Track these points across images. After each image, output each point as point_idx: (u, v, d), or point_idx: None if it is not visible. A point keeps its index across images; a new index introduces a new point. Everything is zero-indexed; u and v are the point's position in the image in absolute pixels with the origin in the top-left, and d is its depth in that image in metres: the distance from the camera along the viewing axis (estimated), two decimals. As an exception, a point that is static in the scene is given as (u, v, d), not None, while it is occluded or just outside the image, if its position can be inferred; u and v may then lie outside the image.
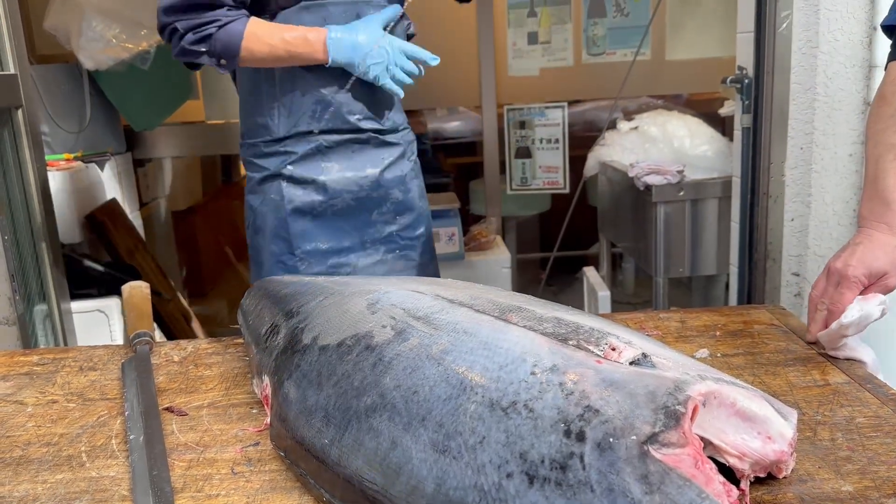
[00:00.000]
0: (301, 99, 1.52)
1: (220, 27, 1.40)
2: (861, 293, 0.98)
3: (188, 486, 0.77)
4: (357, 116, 1.53)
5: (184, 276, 3.46)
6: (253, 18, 1.43)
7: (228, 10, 1.42)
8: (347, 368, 0.74)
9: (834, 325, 0.96)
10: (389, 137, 1.58)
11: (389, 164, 1.58)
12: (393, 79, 1.44)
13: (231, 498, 0.75)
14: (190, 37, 1.41)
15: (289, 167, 1.54)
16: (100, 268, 2.11)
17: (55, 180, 2.26)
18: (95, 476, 0.80)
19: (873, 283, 0.98)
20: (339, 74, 1.48)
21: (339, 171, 1.54)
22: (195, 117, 3.18)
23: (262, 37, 1.41)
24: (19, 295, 1.61)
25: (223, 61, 1.43)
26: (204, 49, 1.42)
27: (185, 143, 3.11)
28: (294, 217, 1.56)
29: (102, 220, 2.48)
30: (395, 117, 1.59)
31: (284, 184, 1.55)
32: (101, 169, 2.69)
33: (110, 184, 2.76)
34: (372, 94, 1.52)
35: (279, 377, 0.83)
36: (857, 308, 0.95)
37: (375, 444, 0.66)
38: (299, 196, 1.55)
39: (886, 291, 0.99)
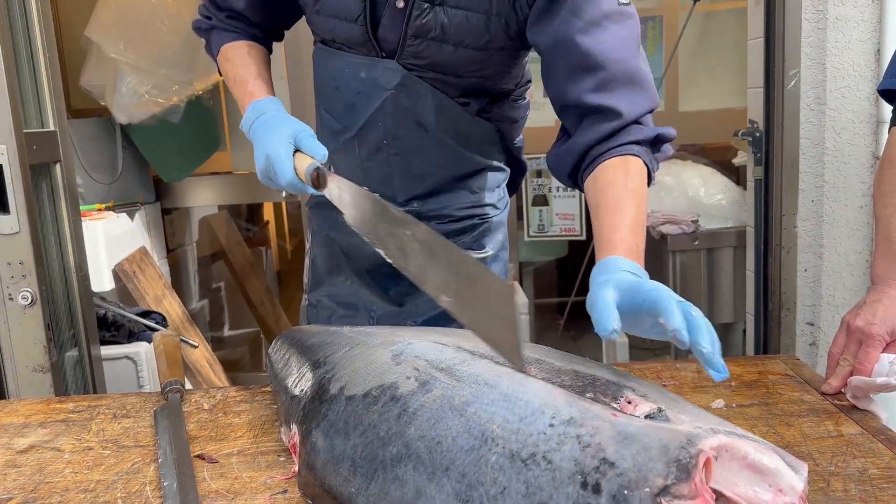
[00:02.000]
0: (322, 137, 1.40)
1: (210, 29, 1.30)
2: (883, 350, 1.01)
3: (221, 533, 0.80)
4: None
5: (209, 322, 3.51)
6: (239, 43, 1.28)
7: (228, 16, 1.28)
8: (373, 418, 0.77)
9: (880, 380, 0.98)
10: None
11: None
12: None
13: (262, 544, 0.77)
14: (196, 21, 1.33)
15: (310, 210, 1.45)
16: (129, 315, 2.16)
17: (87, 230, 2.33)
18: (132, 522, 0.83)
19: (894, 341, 1.02)
20: (328, 134, 1.29)
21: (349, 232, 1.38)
22: (222, 167, 3.26)
23: (228, 59, 1.27)
24: (54, 343, 1.66)
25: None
26: (204, 39, 1.34)
27: (212, 192, 3.19)
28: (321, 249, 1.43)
29: (132, 268, 2.55)
30: (432, 202, 1.29)
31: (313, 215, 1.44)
32: (132, 218, 2.77)
33: (140, 232, 2.84)
34: (372, 169, 1.26)
35: (307, 426, 0.86)
36: None
37: (401, 494, 0.69)
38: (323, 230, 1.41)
39: None
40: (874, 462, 0.86)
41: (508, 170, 1.37)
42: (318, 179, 0.99)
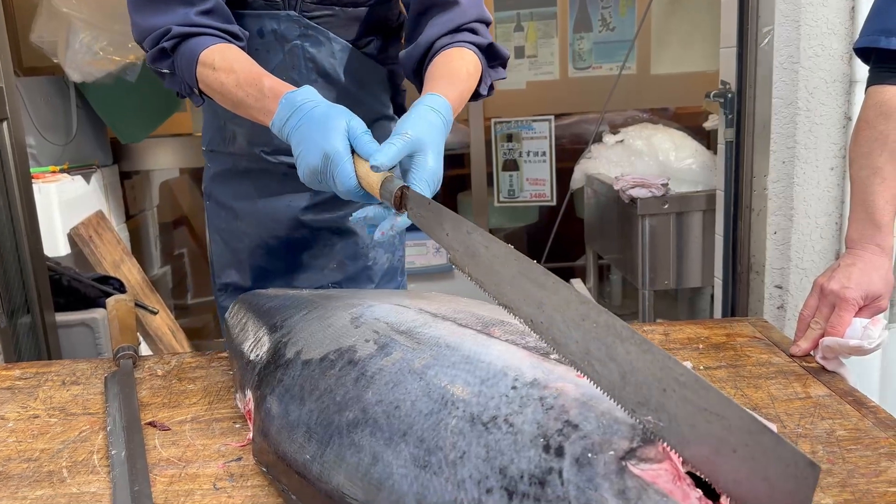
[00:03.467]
0: (212, 111, 1.30)
1: (179, 41, 1.08)
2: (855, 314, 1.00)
3: (170, 502, 0.77)
4: (262, 149, 1.27)
5: (171, 289, 3.44)
6: (222, 45, 1.08)
7: (195, 10, 1.08)
8: (330, 383, 0.74)
9: (853, 342, 0.97)
10: None
11: (318, 203, 1.30)
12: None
13: (213, 514, 0.74)
14: (149, 54, 1.10)
15: (210, 185, 1.36)
16: (85, 280, 2.10)
17: (40, 193, 2.26)
18: (76, 492, 0.80)
19: (867, 305, 1.00)
20: None
21: (255, 202, 1.30)
22: (182, 130, 3.17)
23: (218, 68, 1.05)
24: (3, 309, 1.60)
25: (195, 90, 1.10)
26: (166, 70, 1.11)
27: (172, 155, 3.10)
28: (215, 243, 1.37)
29: (88, 233, 2.47)
30: None
31: (208, 202, 1.37)
32: (88, 181, 2.69)
33: (97, 196, 2.75)
34: None
35: (262, 392, 0.83)
36: (877, 333, 0.97)
37: (357, 460, 0.66)
38: (219, 221, 1.35)
39: (877, 313, 1.01)
40: (842, 423, 0.85)
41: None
42: (401, 200, 0.86)
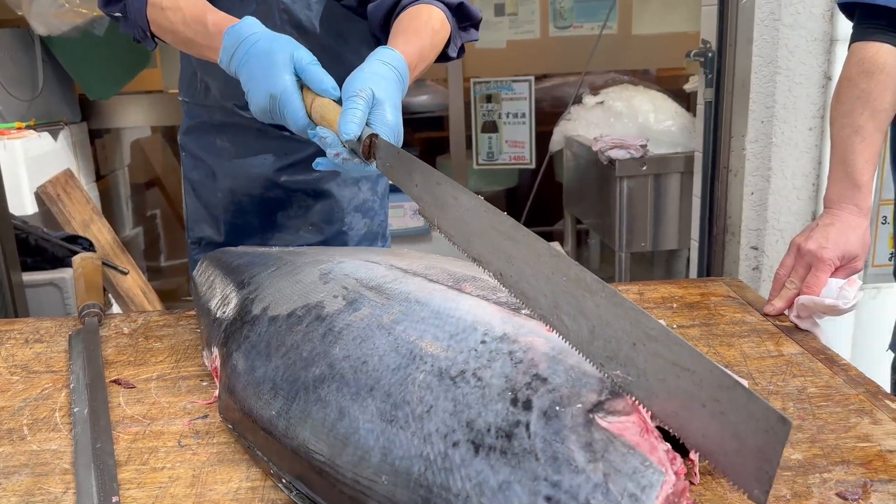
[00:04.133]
0: (185, 58, 1.25)
1: None
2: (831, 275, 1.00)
3: (132, 459, 0.75)
4: (234, 102, 1.23)
5: (143, 250, 3.39)
6: None
7: None
8: (297, 339, 0.73)
9: (828, 301, 0.97)
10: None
11: (293, 164, 1.27)
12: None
13: (176, 471, 0.73)
14: None
15: (184, 137, 1.33)
16: (53, 239, 2.05)
17: (5, 149, 2.20)
18: (37, 449, 0.78)
19: (843, 266, 1.00)
20: None
21: (229, 158, 1.27)
22: (153, 86, 3.10)
23: (166, 7, 1.02)
24: (-35, 267, 1.55)
25: (147, 33, 1.08)
26: (118, 14, 1.09)
27: (143, 112, 3.02)
28: (189, 196, 1.35)
29: (56, 191, 2.41)
30: None
31: (183, 153, 1.34)
32: (55, 139, 2.62)
33: (65, 154, 2.69)
34: None
35: (228, 348, 0.81)
36: (852, 294, 0.97)
37: (323, 415, 0.65)
38: (193, 174, 1.32)
39: (853, 274, 1.01)
40: (813, 381, 0.85)
41: None
42: (370, 148, 0.83)
